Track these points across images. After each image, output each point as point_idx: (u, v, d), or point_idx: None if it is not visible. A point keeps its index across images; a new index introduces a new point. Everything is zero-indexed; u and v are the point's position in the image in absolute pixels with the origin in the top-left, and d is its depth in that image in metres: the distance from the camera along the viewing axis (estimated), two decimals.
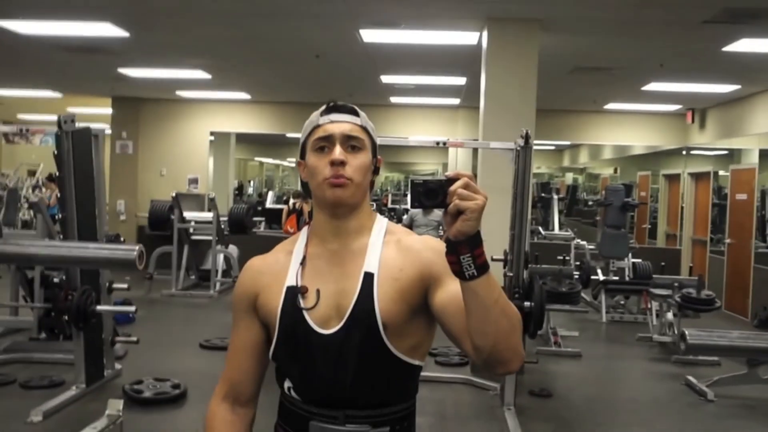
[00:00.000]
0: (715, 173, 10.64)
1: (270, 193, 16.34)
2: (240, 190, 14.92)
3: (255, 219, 11.10)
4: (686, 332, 1.25)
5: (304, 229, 1.54)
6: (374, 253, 1.45)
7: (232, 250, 9.71)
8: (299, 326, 1.43)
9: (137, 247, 1.17)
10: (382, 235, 1.49)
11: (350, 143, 1.44)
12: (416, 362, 1.46)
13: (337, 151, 1.42)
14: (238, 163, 16.79)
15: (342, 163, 1.42)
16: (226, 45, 7.44)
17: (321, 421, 1.42)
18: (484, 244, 1.25)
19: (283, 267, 1.50)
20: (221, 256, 9.69)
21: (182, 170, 11.84)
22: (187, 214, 9.54)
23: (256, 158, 20.91)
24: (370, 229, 1.49)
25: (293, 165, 22.03)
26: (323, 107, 1.50)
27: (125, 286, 5.55)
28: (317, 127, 1.46)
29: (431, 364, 6.00)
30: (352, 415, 1.42)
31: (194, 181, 11.83)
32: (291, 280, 1.47)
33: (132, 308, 5.52)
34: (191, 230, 9.60)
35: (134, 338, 5.59)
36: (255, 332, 1.53)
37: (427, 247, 1.42)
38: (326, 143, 1.44)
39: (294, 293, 1.45)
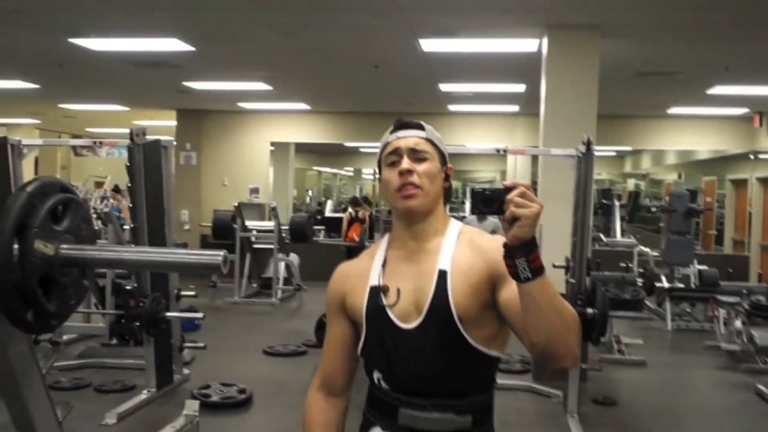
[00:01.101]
0: None
1: (329, 202, 16.53)
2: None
3: (315, 227, 11.24)
4: (755, 334, 1.25)
5: (386, 236, 1.70)
6: (447, 252, 1.58)
7: (293, 258, 9.87)
8: (383, 322, 1.58)
9: (222, 252, 1.26)
10: (455, 236, 1.61)
11: (416, 156, 1.59)
12: (493, 353, 1.57)
13: (404, 162, 1.57)
14: (297, 172, 17.06)
15: (409, 172, 1.56)
16: (286, 57, 7.60)
17: (409, 408, 1.55)
18: (540, 249, 1.34)
19: (366, 269, 1.65)
20: (282, 265, 9.85)
21: (243, 180, 12.10)
22: (249, 223, 9.74)
23: (315, 167, 21.17)
24: (444, 232, 1.62)
25: (351, 174, 22.28)
26: (392, 126, 1.65)
27: (193, 293, 5.72)
28: (387, 144, 1.62)
29: None
30: (438, 403, 1.54)
31: (255, 191, 12.07)
32: (374, 281, 1.62)
33: (200, 315, 5.70)
34: (253, 239, 9.80)
35: (202, 344, 5.76)
36: (345, 330, 1.69)
37: (496, 247, 1.47)
38: (396, 157, 1.59)
39: (377, 292, 1.60)
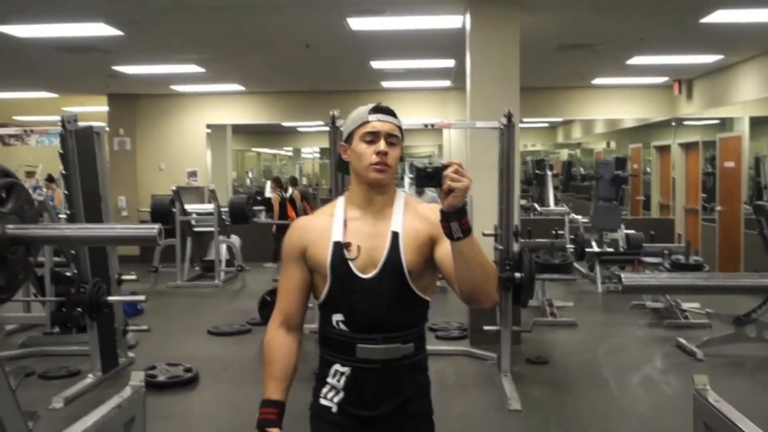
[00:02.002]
0: (705, 143, 10.83)
1: (268, 183, 16.52)
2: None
3: (255, 208, 11.29)
4: (622, 275, 1.44)
5: (340, 198, 2.01)
6: (398, 217, 1.95)
7: (234, 239, 9.93)
8: (346, 273, 1.90)
9: (157, 225, 1.40)
10: (402, 204, 1.98)
11: (390, 139, 1.92)
12: (427, 297, 1.97)
13: (383, 145, 1.90)
14: (235, 154, 16.97)
15: (385, 154, 1.90)
16: (218, 38, 7.61)
17: (365, 343, 1.90)
18: (468, 216, 1.69)
19: (327, 226, 1.96)
20: (224, 247, 9.90)
21: (181, 164, 12.03)
22: (188, 207, 9.74)
23: (254, 149, 21.07)
24: (393, 200, 1.98)
25: (290, 154, 22.23)
26: (370, 106, 1.96)
27: (134, 277, 5.77)
28: (366, 122, 1.92)
29: (431, 338, 6.23)
30: (388, 336, 1.91)
31: (193, 174, 12.02)
32: (337, 237, 1.93)
33: (141, 297, 5.76)
34: (193, 222, 9.81)
35: (145, 327, 5.83)
36: (303, 275, 1.99)
37: (435, 214, 1.82)
38: (373, 137, 1.91)
39: (340, 247, 1.92)
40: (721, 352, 5.76)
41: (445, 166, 1.64)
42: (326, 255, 1.92)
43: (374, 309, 1.90)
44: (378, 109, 1.94)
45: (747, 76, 9.25)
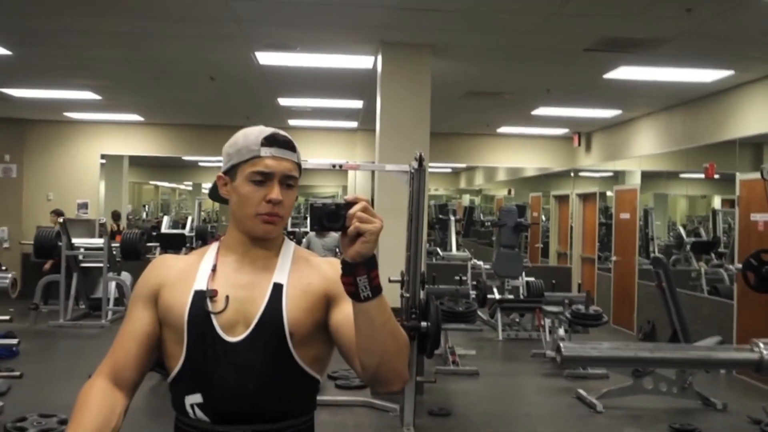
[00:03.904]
0: (602, 194, 11.17)
1: (165, 218, 15.92)
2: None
3: (149, 245, 10.76)
4: (561, 345, 1.31)
5: (215, 243, 1.59)
6: (283, 267, 1.52)
7: (125, 277, 9.37)
8: (206, 332, 1.44)
9: (10, 275, 1.13)
10: (291, 254, 1.55)
11: (287, 182, 1.50)
12: (317, 376, 1.51)
13: (276, 191, 1.47)
14: (132, 186, 16.30)
15: (279, 202, 1.48)
16: (117, 66, 7.24)
17: None
18: (378, 267, 1.31)
19: (192, 270, 1.52)
20: (113, 284, 9.33)
21: (71, 195, 11.37)
22: (76, 241, 9.15)
23: (151, 182, 20.36)
24: (279, 248, 1.56)
25: (190, 188, 21.61)
26: (263, 134, 1.51)
27: (7, 317, 5.26)
28: (257, 158, 1.48)
29: (331, 387, 5.98)
30: (258, 430, 1.44)
31: (84, 206, 11.38)
32: (200, 285, 1.49)
33: (14, 340, 5.24)
34: (81, 257, 9.21)
35: (17, 373, 5.30)
36: (149, 322, 1.52)
37: (333, 267, 1.47)
38: (263, 178, 1.48)
39: (202, 297, 1.47)
40: (619, 404, 5.77)
41: (350, 204, 1.29)
42: (184, 306, 1.46)
43: (241, 387, 1.43)
44: (274, 141, 1.50)
45: (641, 132, 9.62)
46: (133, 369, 1.51)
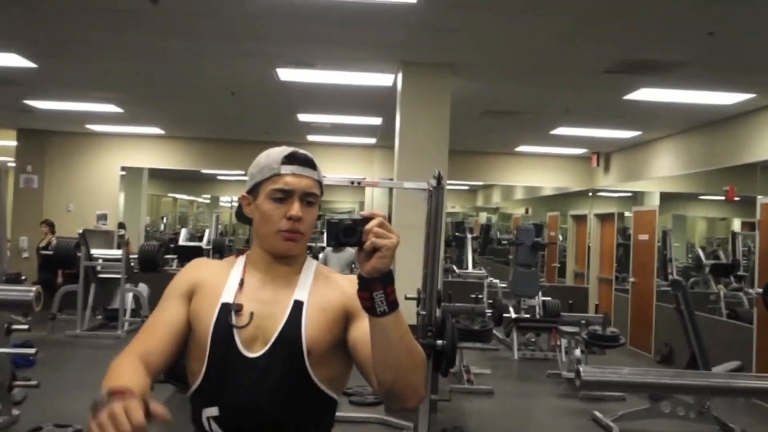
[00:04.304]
0: (620, 214, 11.11)
1: (183, 230, 16.00)
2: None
3: (167, 257, 10.82)
4: (581, 369, 1.30)
5: (242, 256, 1.61)
6: (305, 284, 1.54)
7: (142, 288, 9.42)
8: (228, 346, 1.46)
9: (35, 288, 1.13)
10: (312, 271, 1.57)
11: (307, 199, 1.53)
12: (333, 395, 1.51)
13: (296, 208, 1.50)
14: (150, 199, 16.42)
15: (299, 219, 1.51)
16: (139, 79, 7.34)
17: None
18: (395, 282, 1.31)
19: (221, 281, 1.55)
20: (130, 295, 9.39)
21: (91, 206, 11.47)
22: (95, 252, 9.23)
23: (170, 194, 20.50)
24: (301, 266, 1.58)
25: (208, 201, 21.72)
26: (283, 153, 1.54)
27: (25, 327, 5.30)
28: (278, 175, 1.52)
29: (345, 403, 5.95)
30: None
31: (103, 217, 11.48)
32: (227, 298, 1.51)
33: (32, 350, 5.29)
34: (99, 268, 9.28)
35: (34, 382, 5.34)
36: (181, 315, 1.53)
37: (352, 284, 1.44)
38: (284, 195, 1.51)
39: (227, 310, 1.49)
40: (635, 428, 5.70)
41: (367, 219, 1.29)
42: (210, 317, 1.48)
43: (256, 402, 1.44)
44: (294, 159, 1.53)
45: (661, 153, 9.58)
46: (160, 355, 1.50)
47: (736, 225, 11.13)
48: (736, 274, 10.07)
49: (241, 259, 1.60)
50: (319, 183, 1.57)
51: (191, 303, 1.55)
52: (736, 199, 8.40)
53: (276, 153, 1.55)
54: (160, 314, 1.55)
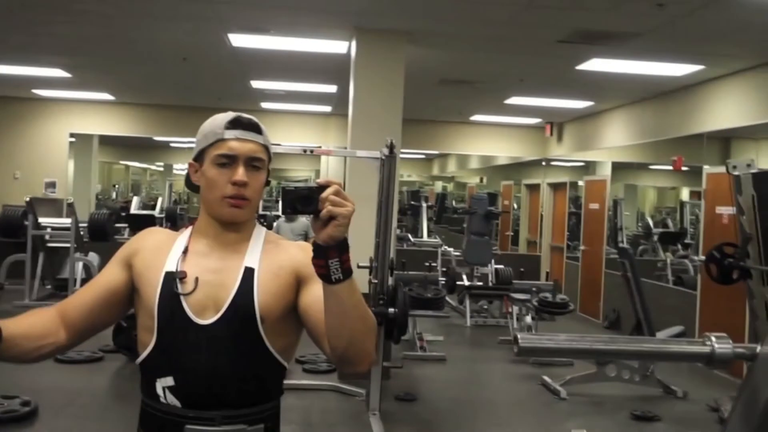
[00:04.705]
0: (573, 183, 11.27)
1: (135, 199, 15.75)
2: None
3: (118, 225, 10.64)
4: (518, 336, 1.33)
5: (189, 227, 1.61)
6: (255, 251, 1.53)
7: (92, 257, 9.27)
8: (177, 313, 1.47)
9: None
10: (262, 238, 1.57)
11: (253, 164, 1.51)
12: (284, 362, 1.54)
13: (240, 173, 1.48)
14: (102, 166, 16.09)
15: (244, 184, 1.49)
16: (88, 43, 7.13)
17: (197, 423, 1.45)
18: (349, 250, 1.33)
19: (165, 249, 1.55)
20: (80, 265, 9.23)
21: (38, 173, 11.19)
22: (43, 220, 9.02)
23: (122, 162, 20.11)
24: (250, 233, 1.57)
25: (161, 169, 21.39)
26: (227, 118, 1.52)
27: None
28: (221, 141, 1.50)
29: (298, 371, 5.99)
30: (229, 415, 1.46)
31: (51, 185, 11.21)
32: (170, 266, 1.51)
33: None
34: (47, 237, 9.09)
35: None
36: (113, 279, 1.56)
37: (302, 249, 1.50)
38: (228, 160, 1.49)
39: (172, 278, 1.49)
40: (582, 391, 5.86)
41: (323, 188, 1.30)
42: (155, 287, 1.49)
43: (212, 370, 1.45)
44: (237, 123, 1.51)
45: (612, 124, 9.72)
46: (80, 312, 1.54)
47: (685, 194, 11.41)
48: (684, 242, 10.35)
49: (188, 230, 1.60)
50: (266, 147, 1.55)
51: (132, 271, 1.55)
52: (685, 168, 8.60)
53: (220, 118, 1.53)
54: (97, 277, 1.60)
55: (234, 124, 1.51)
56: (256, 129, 1.53)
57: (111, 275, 1.56)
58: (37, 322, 1.51)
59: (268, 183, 1.59)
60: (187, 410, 1.46)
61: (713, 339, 1.33)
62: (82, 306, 1.55)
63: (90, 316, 1.55)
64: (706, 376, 6.39)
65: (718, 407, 5.38)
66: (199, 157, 1.54)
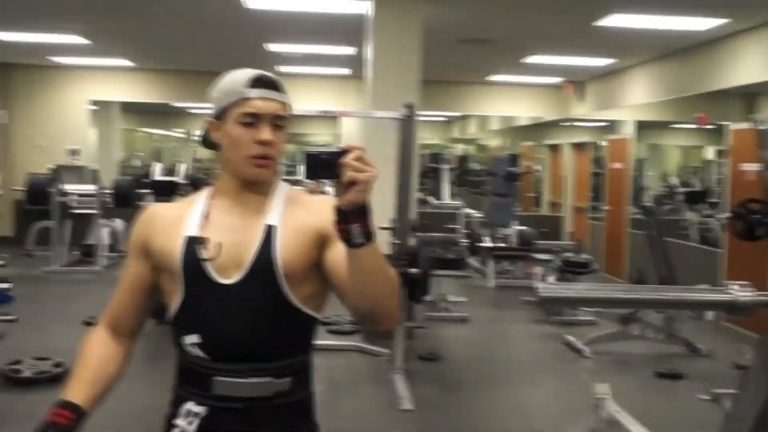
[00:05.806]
0: (595, 143, 11.14)
1: (158, 165, 15.83)
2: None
3: (141, 191, 10.73)
4: (538, 286, 1.33)
5: (205, 190, 1.60)
6: (276, 208, 1.53)
7: (117, 223, 9.40)
8: (201, 277, 1.49)
9: None
10: (283, 195, 1.56)
11: (276, 122, 1.50)
12: (313, 313, 1.54)
13: (266, 132, 1.48)
14: (124, 133, 16.16)
15: (269, 143, 1.48)
16: (105, 9, 7.12)
17: (225, 375, 1.48)
18: (372, 214, 1.32)
19: (181, 216, 1.55)
20: (106, 230, 9.35)
21: (61, 141, 11.26)
22: (68, 187, 9.14)
23: (143, 129, 20.20)
24: (272, 191, 1.56)
25: (183, 135, 21.45)
26: (249, 75, 1.51)
27: (1, 262, 5.29)
28: (246, 99, 1.48)
29: (323, 332, 6.05)
30: (256, 368, 1.49)
31: (75, 152, 11.30)
32: (191, 231, 1.52)
33: (7, 285, 5.28)
34: (73, 204, 9.21)
35: (12, 316, 5.36)
36: (141, 271, 1.60)
37: (327, 206, 1.42)
38: (253, 119, 1.48)
39: (193, 243, 1.50)
40: (606, 350, 5.88)
41: (345, 152, 1.28)
42: (177, 251, 1.50)
43: (236, 328, 1.48)
44: (261, 82, 1.50)
45: (636, 81, 9.56)
46: (129, 316, 1.63)
47: (710, 154, 11.24)
48: (709, 201, 10.23)
49: (204, 192, 1.59)
50: (287, 105, 1.54)
51: (150, 253, 1.57)
52: (710, 126, 8.46)
53: (241, 75, 1.51)
54: (122, 277, 1.64)
55: (258, 82, 1.50)
56: (278, 87, 1.52)
57: (136, 268, 1.61)
58: (101, 364, 1.59)
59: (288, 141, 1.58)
60: (214, 363, 1.49)
61: (735, 287, 1.32)
62: (126, 309, 1.63)
63: (137, 313, 1.64)
64: (732, 335, 6.36)
65: (745, 365, 5.36)
66: (220, 115, 1.52)
